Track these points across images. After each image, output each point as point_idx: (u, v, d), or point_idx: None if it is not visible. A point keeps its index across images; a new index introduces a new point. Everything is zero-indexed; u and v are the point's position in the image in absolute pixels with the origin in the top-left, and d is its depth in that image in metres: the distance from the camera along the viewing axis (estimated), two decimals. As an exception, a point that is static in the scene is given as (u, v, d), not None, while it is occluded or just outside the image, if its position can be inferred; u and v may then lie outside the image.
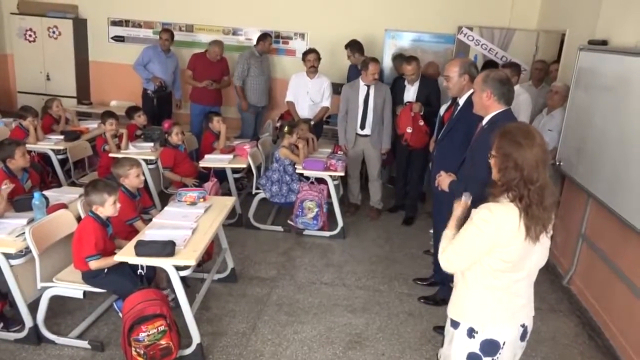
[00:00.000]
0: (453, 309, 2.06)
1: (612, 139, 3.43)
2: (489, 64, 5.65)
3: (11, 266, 2.84)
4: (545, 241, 1.91)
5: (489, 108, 2.77)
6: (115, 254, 3.01)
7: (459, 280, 2.05)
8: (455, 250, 1.93)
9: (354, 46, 5.71)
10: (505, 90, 2.74)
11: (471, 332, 1.97)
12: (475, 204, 1.97)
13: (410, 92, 5.03)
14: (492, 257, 1.88)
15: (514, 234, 1.82)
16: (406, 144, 4.91)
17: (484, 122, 2.81)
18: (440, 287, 3.76)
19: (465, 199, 2.10)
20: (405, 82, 5.03)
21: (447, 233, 2.05)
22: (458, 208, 2.10)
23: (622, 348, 3.24)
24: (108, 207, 2.96)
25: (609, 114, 3.51)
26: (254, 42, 6.30)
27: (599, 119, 3.64)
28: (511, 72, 4.72)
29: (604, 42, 3.82)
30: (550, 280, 4.23)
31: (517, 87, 4.22)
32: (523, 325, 2.01)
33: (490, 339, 1.95)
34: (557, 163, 4.20)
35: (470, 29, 6.02)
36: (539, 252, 1.93)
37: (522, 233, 1.82)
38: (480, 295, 1.96)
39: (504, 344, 1.95)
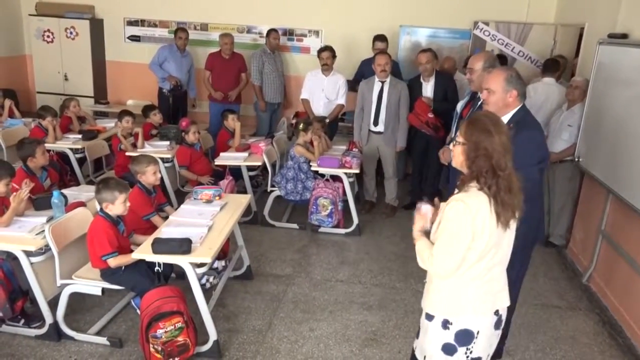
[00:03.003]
0: (427, 302, 2.06)
1: (633, 134, 3.37)
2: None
3: (31, 264, 2.88)
4: (513, 225, 1.94)
5: (510, 107, 2.74)
6: (130, 250, 3.04)
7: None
8: (442, 251, 1.90)
9: (379, 36, 5.68)
10: (525, 88, 2.77)
11: (446, 324, 1.98)
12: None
13: (428, 89, 4.99)
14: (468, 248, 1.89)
15: (488, 221, 1.85)
16: (433, 128, 4.82)
17: (506, 121, 2.77)
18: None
19: (425, 211, 2.05)
20: (422, 79, 5.00)
21: (421, 244, 2.00)
22: (420, 220, 2.05)
23: (644, 347, 3.19)
24: (118, 205, 2.97)
25: (630, 109, 3.44)
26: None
27: (619, 114, 3.57)
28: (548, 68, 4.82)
29: (624, 36, 3.75)
30: (569, 278, 4.18)
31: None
32: (497, 313, 2.00)
33: (464, 329, 1.97)
34: (576, 159, 4.14)
35: (487, 23, 5.95)
36: (509, 236, 1.96)
37: (494, 219, 1.85)
38: (453, 287, 1.96)
39: (477, 332, 1.97)
